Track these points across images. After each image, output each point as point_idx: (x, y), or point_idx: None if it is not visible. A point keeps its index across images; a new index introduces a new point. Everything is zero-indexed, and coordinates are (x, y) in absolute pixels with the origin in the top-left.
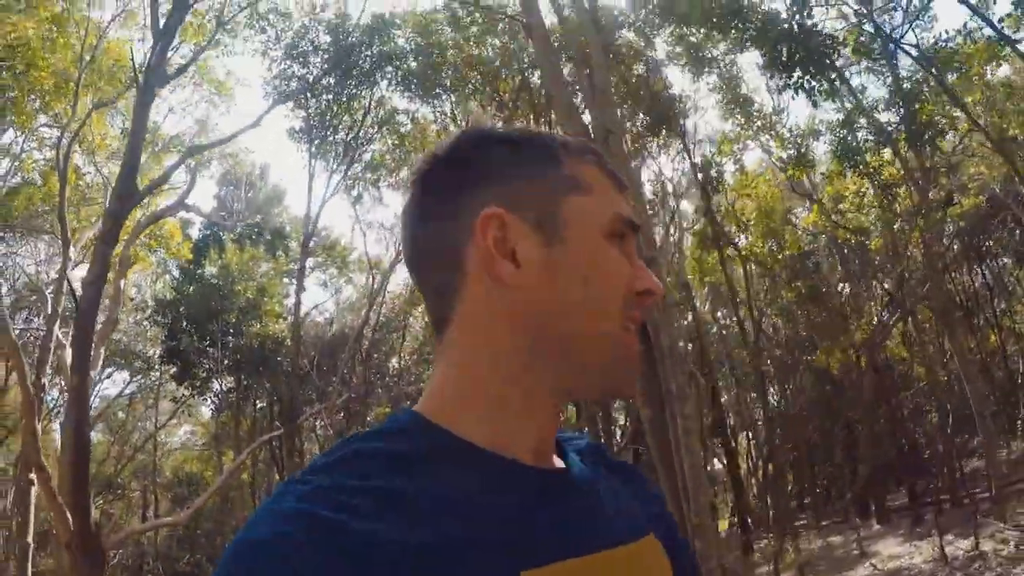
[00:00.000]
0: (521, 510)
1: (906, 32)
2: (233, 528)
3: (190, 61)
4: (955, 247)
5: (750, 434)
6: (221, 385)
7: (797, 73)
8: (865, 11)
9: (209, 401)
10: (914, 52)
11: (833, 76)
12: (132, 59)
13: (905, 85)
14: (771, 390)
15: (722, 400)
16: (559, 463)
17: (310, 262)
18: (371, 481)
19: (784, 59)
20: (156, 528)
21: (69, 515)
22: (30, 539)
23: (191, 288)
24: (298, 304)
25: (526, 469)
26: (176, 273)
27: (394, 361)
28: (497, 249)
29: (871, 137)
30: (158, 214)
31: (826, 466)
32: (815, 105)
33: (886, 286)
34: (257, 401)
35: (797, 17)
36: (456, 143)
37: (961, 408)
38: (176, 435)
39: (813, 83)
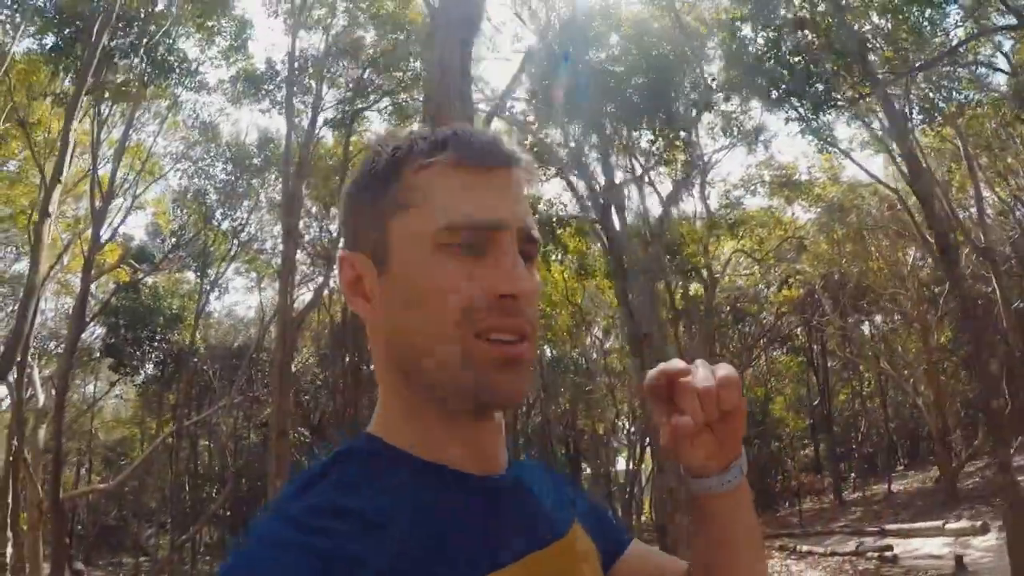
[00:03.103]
0: (474, 516)
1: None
2: (154, 487)
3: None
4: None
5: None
6: (148, 372)
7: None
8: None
9: (139, 381)
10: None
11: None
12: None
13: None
14: None
15: None
16: (504, 470)
17: (234, 267)
18: (337, 503)
19: None
20: (90, 492)
21: (41, 493)
22: (9, 499)
23: (128, 294)
24: (196, 322)
25: (469, 477)
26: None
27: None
28: (351, 290)
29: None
30: (104, 268)
31: None
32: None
33: None
34: (179, 383)
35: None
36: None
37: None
38: (110, 401)
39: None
